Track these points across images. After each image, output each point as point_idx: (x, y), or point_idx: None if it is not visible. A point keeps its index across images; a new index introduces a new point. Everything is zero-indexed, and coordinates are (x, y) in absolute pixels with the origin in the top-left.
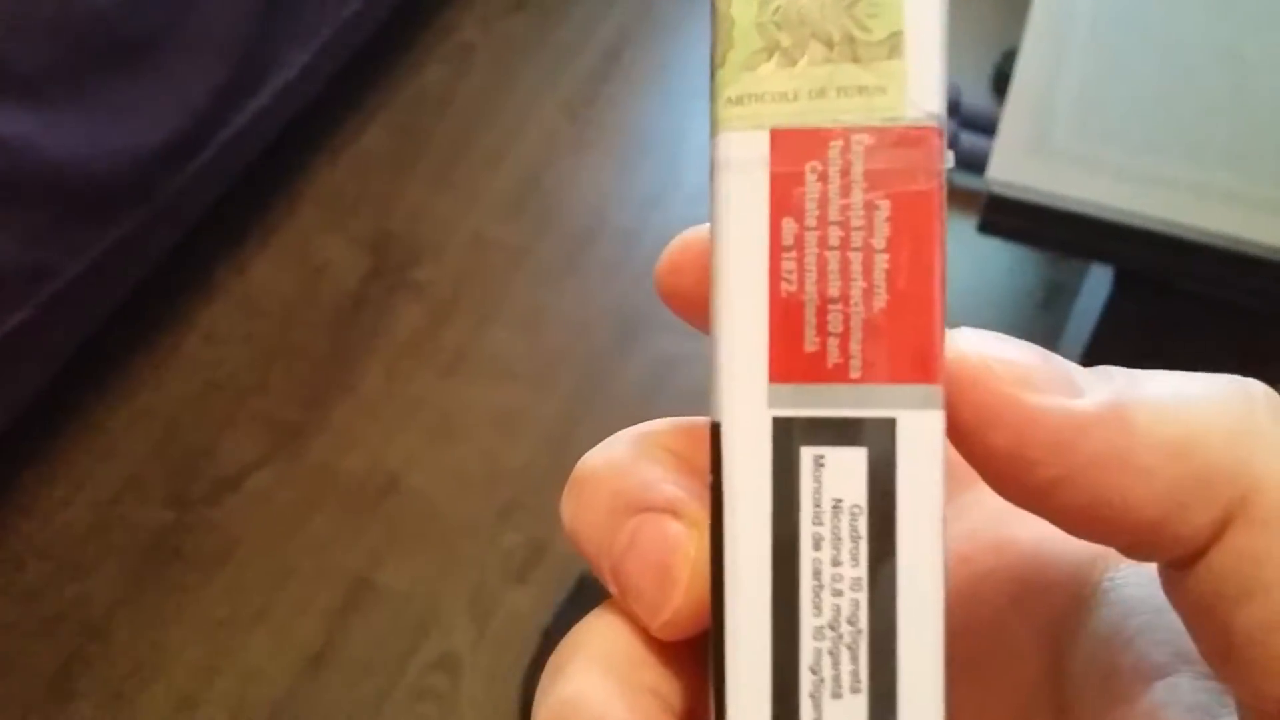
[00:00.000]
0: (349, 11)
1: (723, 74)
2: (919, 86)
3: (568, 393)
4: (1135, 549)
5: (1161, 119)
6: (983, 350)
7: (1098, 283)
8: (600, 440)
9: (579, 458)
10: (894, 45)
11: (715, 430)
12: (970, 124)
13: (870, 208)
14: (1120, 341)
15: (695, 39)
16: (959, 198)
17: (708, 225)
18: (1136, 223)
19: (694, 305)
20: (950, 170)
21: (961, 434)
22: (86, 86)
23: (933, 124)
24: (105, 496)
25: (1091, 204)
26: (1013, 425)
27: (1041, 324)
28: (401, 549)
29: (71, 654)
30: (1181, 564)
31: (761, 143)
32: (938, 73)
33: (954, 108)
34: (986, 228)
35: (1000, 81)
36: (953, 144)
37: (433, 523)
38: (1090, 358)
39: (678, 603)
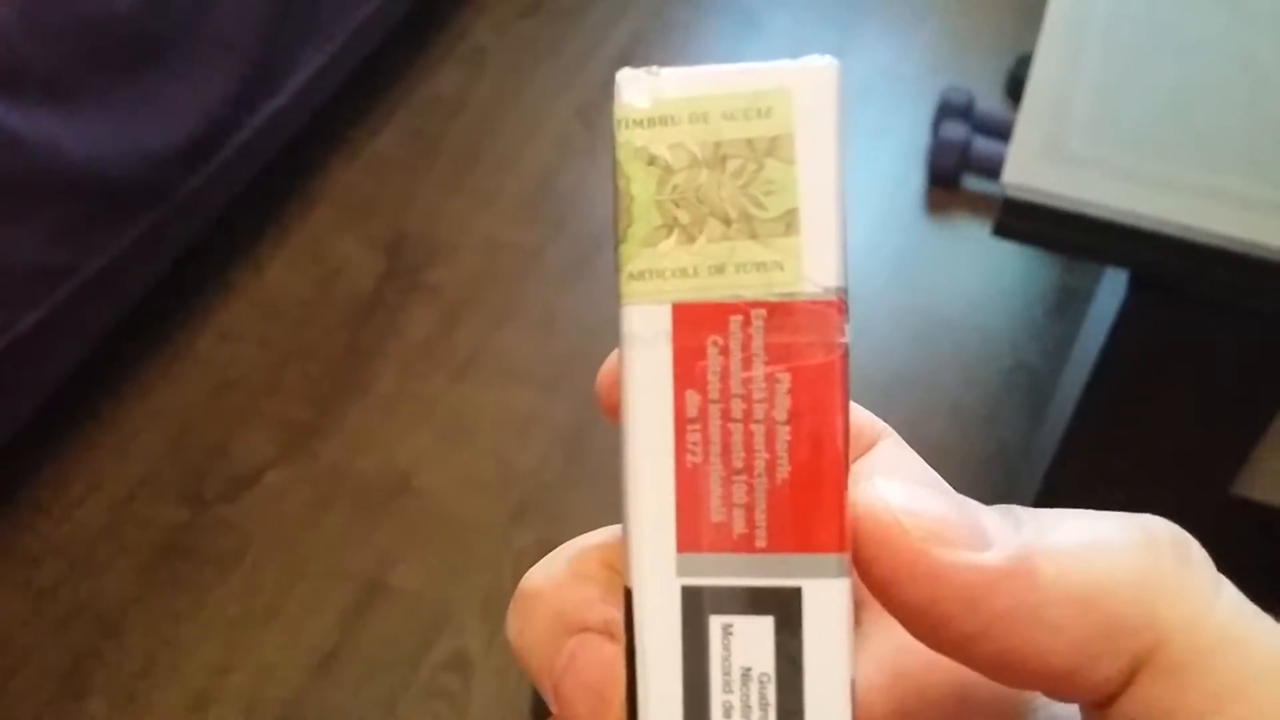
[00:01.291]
0: (364, 14)
1: (625, 249)
2: (815, 262)
3: (579, 395)
4: (1053, 694)
5: (1177, 123)
6: (893, 505)
7: (1112, 287)
8: (611, 440)
9: (591, 460)
10: (789, 222)
11: (628, 596)
12: (985, 129)
13: (771, 381)
14: (1134, 346)
15: (708, 43)
16: (974, 201)
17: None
18: (1151, 227)
19: None
20: (847, 344)
21: (877, 588)
22: (105, 88)
23: (830, 298)
24: (120, 495)
25: (1106, 208)
26: (924, 582)
27: (1055, 328)
28: (414, 549)
29: (86, 651)
30: (1097, 706)
31: (664, 317)
32: (834, 247)
33: (968, 112)
34: (1001, 231)
35: (1015, 86)
36: (967, 148)
37: (445, 523)
38: (1105, 362)
39: None
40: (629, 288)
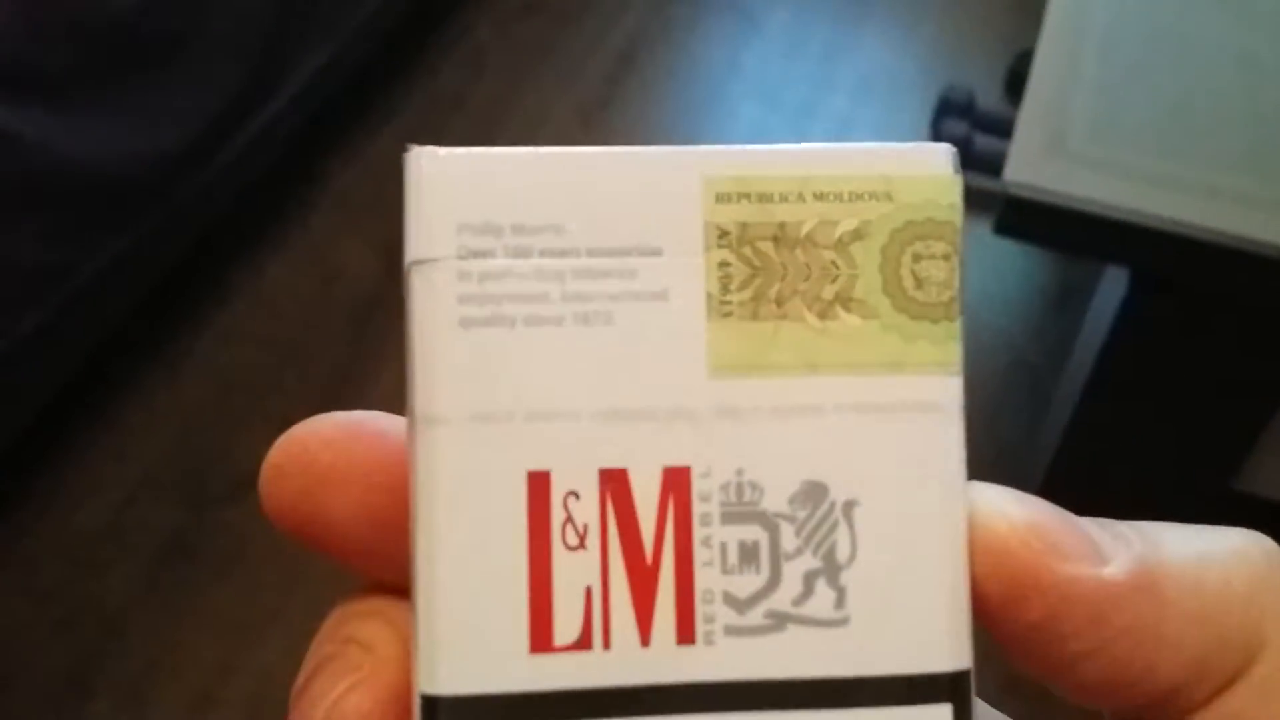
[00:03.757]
0: (363, 15)
1: (961, 320)
2: None
3: None
4: (1138, 711)
5: (1177, 120)
6: (1011, 517)
7: (1113, 284)
8: None
9: None
10: None
11: (960, 680)
12: (985, 126)
13: None
14: (1135, 343)
15: (709, 42)
16: (975, 199)
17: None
18: (1152, 224)
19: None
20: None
21: (992, 605)
22: (106, 89)
23: None
24: (121, 497)
25: (1107, 206)
26: (1047, 598)
27: (1056, 326)
28: None
29: (88, 653)
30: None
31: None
32: None
33: (968, 109)
34: (1002, 229)
35: (1015, 83)
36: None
37: None
38: (1105, 360)
39: None
40: (960, 355)
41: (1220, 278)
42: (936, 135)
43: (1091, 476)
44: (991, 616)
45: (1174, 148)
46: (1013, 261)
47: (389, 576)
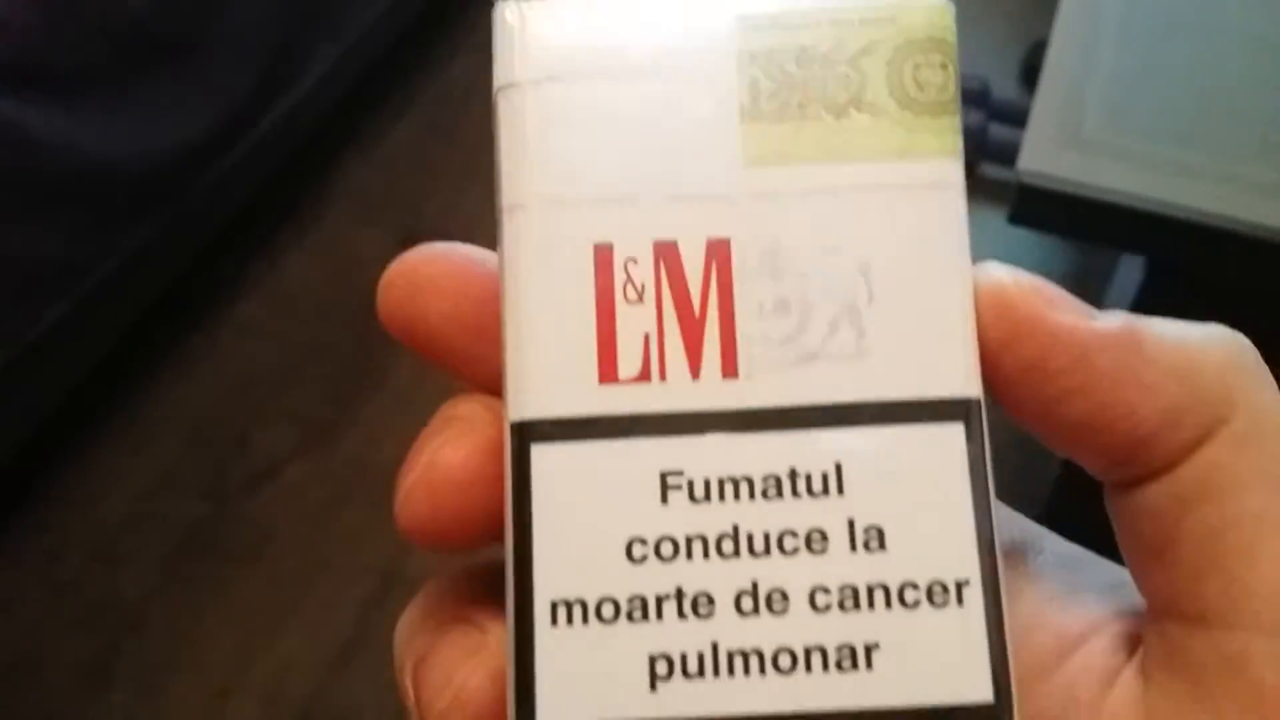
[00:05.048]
0: (378, 8)
1: (957, 116)
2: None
3: None
4: (1118, 460)
5: (1193, 109)
6: (1015, 275)
7: (1129, 273)
8: None
9: None
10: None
11: (970, 406)
12: (1000, 115)
13: None
14: None
15: None
16: (990, 188)
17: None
18: (1168, 213)
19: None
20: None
21: (992, 350)
22: (121, 86)
23: None
24: (140, 490)
25: (1123, 194)
26: (1040, 339)
27: None
28: None
29: (108, 645)
30: (1151, 476)
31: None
32: None
33: (983, 98)
34: (1017, 218)
35: (1029, 72)
36: (982, 135)
37: None
38: None
39: None
40: (958, 143)
41: (1238, 266)
42: None
43: None
44: (992, 359)
45: (1190, 136)
46: (1028, 251)
47: (479, 378)
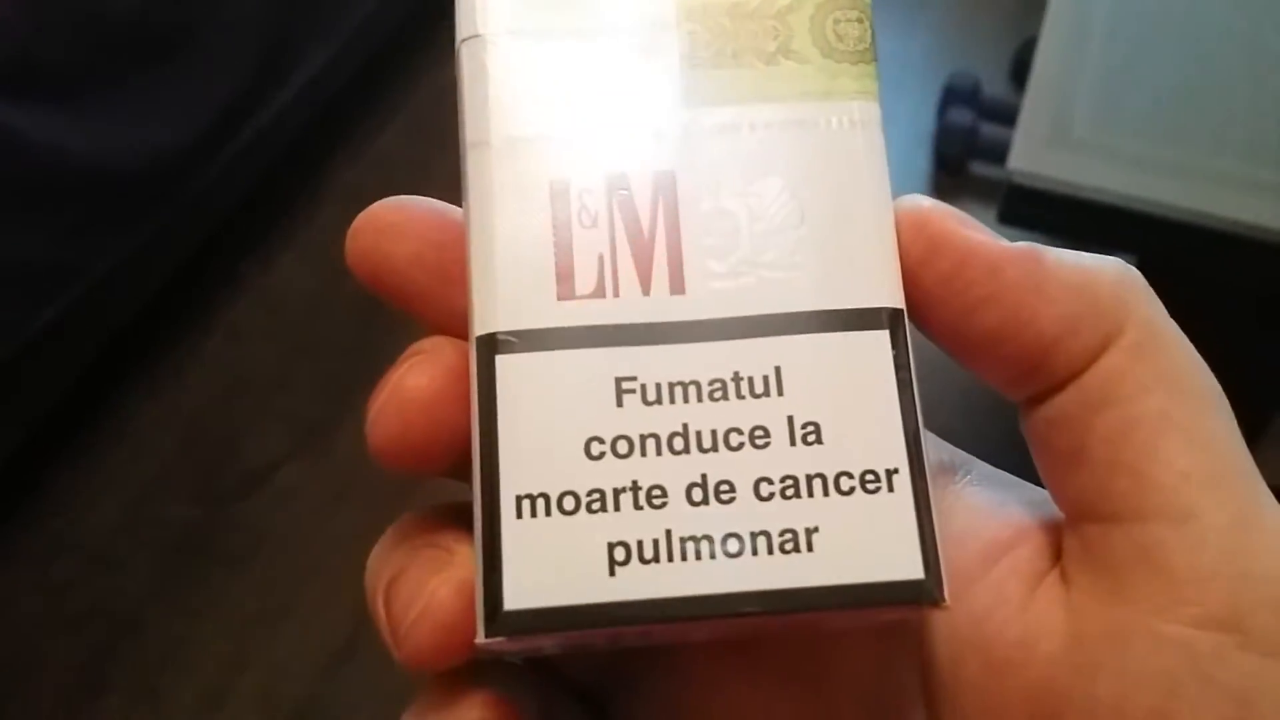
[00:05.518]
0: (368, 9)
1: (875, 63)
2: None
3: None
4: (1025, 369)
5: (1182, 107)
6: (928, 201)
7: None
8: None
9: None
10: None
11: (896, 315)
12: (990, 114)
13: None
14: None
15: None
16: (979, 186)
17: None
18: (1157, 211)
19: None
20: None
21: (911, 264)
22: (111, 86)
23: None
24: (133, 493)
25: (1112, 193)
26: (954, 253)
27: None
28: None
29: (102, 649)
30: (1058, 386)
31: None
32: None
33: (974, 97)
34: (1007, 218)
35: (1019, 70)
36: (973, 134)
37: None
38: None
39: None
40: (877, 87)
41: (1227, 265)
42: (942, 122)
43: None
44: (912, 274)
45: (1180, 134)
46: None
47: (441, 320)
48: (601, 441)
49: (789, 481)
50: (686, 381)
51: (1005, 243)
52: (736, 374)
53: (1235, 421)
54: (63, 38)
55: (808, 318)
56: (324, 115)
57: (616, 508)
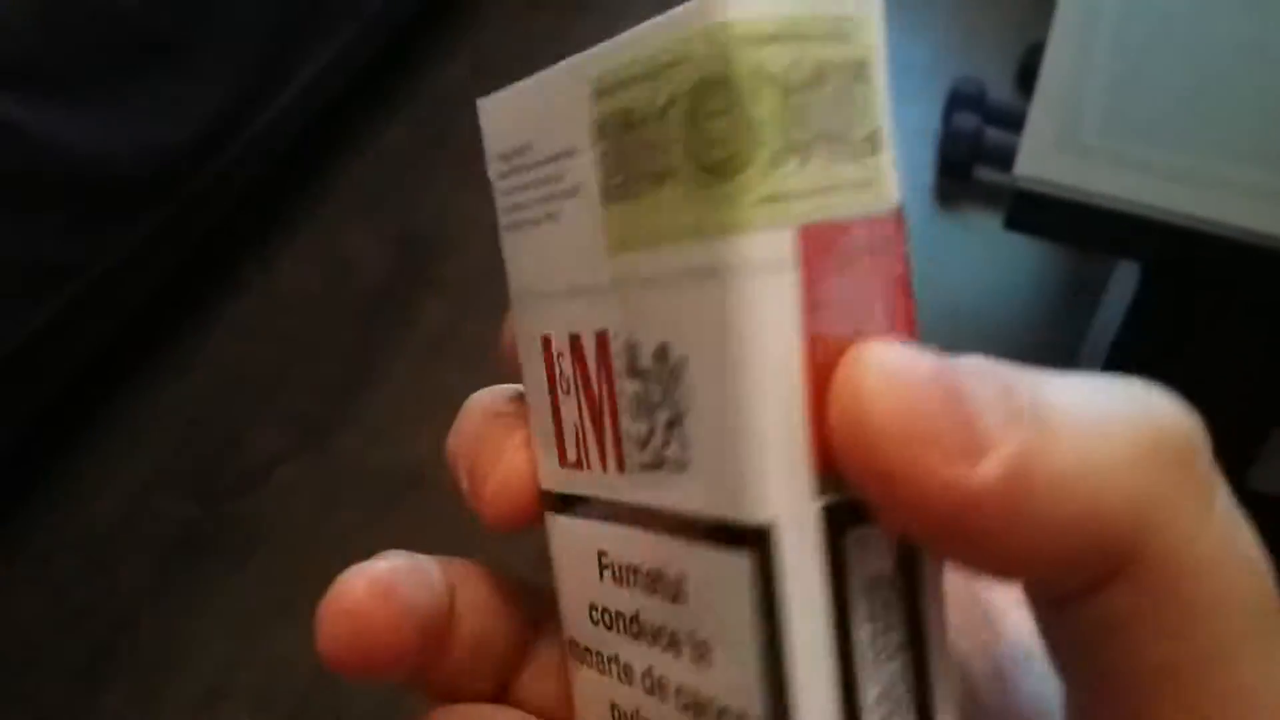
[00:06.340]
0: (371, 8)
1: (751, 173)
2: (893, 179)
3: None
4: (1024, 587)
5: (1189, 114)
6: (887, 403)
7: (1125, 278)
8: None
9: None
10: (875, 142)
11: (761, 534)
12: (996, 119)
13: (873, 292)
14: (1147, 337)
15: None
16: (986, 193)
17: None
18: (1164, 218)
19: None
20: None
21: (870, 496)
22: (114, 84)
23: (897, 211)
24: (132, 491)
25: (1119, 199)
26: (906, 497)
27: (1068, 319)
28: (427, 542)
29: (100, 646)
30: (1061, 603)
31: (789, 242)
32: (895, 163)
33: (979, 102)
34: (1013, 224)
35: (1026, 76)
36: (978, 139)
37: (458, 516)
38: (1116, 352)
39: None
40: (757, 213)
41: (1233, 271)
42: (948, 128)
43: None
44: (872, 503)
45: (1186, 141)
46: (1024, 255)
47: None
48: (595, 609)
49: (689, 698)
50: (636, 567)
51: (984, 471)
52: (660, 573)
53: (1272, 648)
54: (66, 37)
55: (693, 523)
56: (325, 114)
57: (609, 673)
